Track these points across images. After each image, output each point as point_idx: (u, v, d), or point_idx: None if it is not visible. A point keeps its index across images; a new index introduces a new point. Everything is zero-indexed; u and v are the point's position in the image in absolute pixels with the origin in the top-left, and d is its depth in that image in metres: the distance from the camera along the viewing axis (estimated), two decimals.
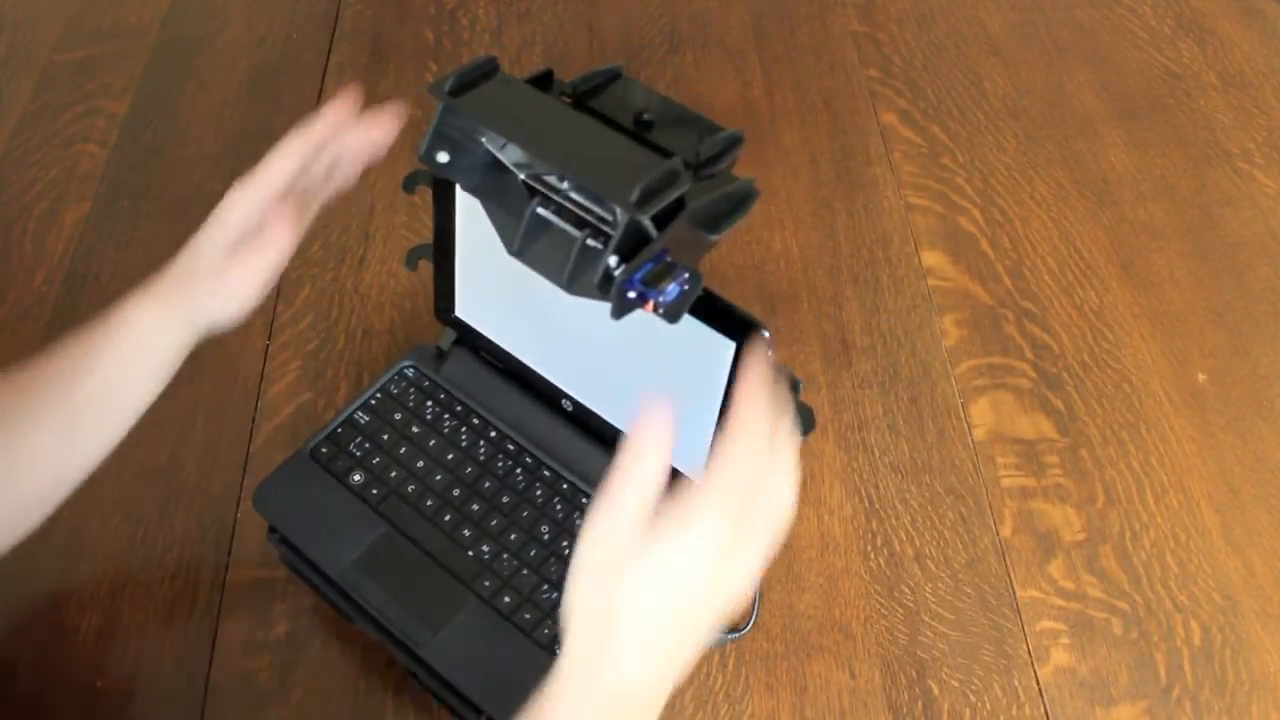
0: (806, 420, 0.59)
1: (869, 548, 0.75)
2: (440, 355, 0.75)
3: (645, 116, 0.57)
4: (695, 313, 0.58)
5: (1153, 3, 1.13)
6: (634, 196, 0.48)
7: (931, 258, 0.91)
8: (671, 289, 0.51)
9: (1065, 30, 1.11)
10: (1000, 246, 0.92)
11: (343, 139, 0.62)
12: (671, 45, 1.09)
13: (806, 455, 0.79)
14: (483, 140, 0.55)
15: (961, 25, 1.12)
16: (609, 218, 0.52)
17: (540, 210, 0.53)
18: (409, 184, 0.63)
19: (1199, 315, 0.87)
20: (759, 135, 1.00)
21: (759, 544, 0.46)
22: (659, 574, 0.43)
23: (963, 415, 0.81)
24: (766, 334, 0.56)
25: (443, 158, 0.55)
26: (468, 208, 0.68)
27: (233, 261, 0.60)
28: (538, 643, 0.63)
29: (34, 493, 0.60)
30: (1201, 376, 0.84)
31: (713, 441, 0.47)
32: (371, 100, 1.03)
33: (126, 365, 0.60)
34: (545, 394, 0.71)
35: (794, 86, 1.05)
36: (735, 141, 0.56)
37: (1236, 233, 0.93)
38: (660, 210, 0.49)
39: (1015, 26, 1.11)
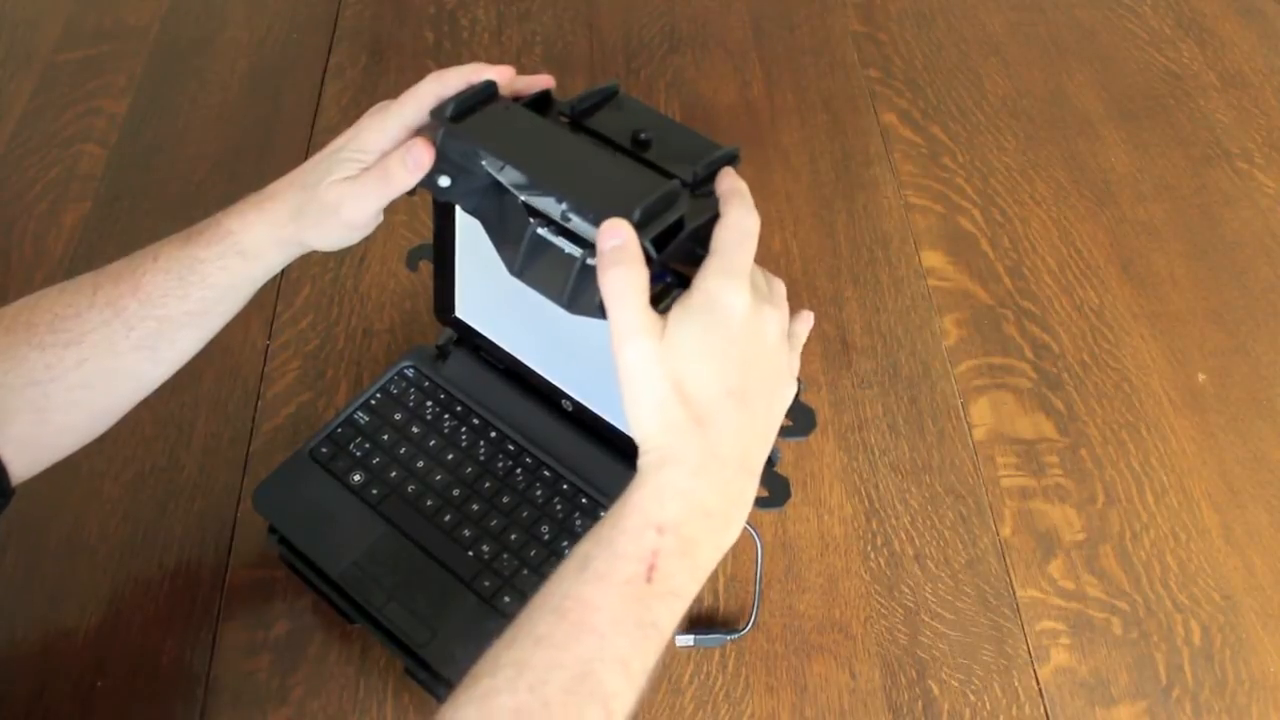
0: (806, 420, 0.59)
1: (869, 548, 0.75)
2: (440, 355, 0.75)
3: (643, 135, 0.57)
4: None
5: (1153, 3, 1.14)
6: (634, 219, 0.49)
7: (931, 258, 0.91)
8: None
9: (1065, 30, 1.11)
10: (1000, 246, 0.92)
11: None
12: (671, 45, 1.09)
13: (806, 455, 0.79)
14: (483, 164, 0.55)
15: (961, 25, 1.12)
16: None
17: (540, 231, 0.54)
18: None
19: (1199, 315, 0.87)
20: (759, 135, 1.00)
21: (778, 307, 0.52)
22: (706, 338, 0.48)
23: (963, 415, 0.81)
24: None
25: (444, 182, 0.56)
26: None
27: (347, 187, 0.58)
28: None
29: (107, 407, 0.61)
30: (1201, 376, 0.84)
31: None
32: (371, 101, 1.03)
33: (227, 286, 0.60)
34: (545, 394, 0.71)
35: (794, 86, 1.05)
36: (732, 159, 0.56)
37: (1236, 233, 0.93)
38: (660, 231, 0.50)
39: (1015, 26, 1.11)
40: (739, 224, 0.51)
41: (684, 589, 0.47)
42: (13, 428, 0.57)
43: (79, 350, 0.57)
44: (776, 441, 0.61)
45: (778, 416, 0.52)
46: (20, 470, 0.58)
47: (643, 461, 0.48)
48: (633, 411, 0.49)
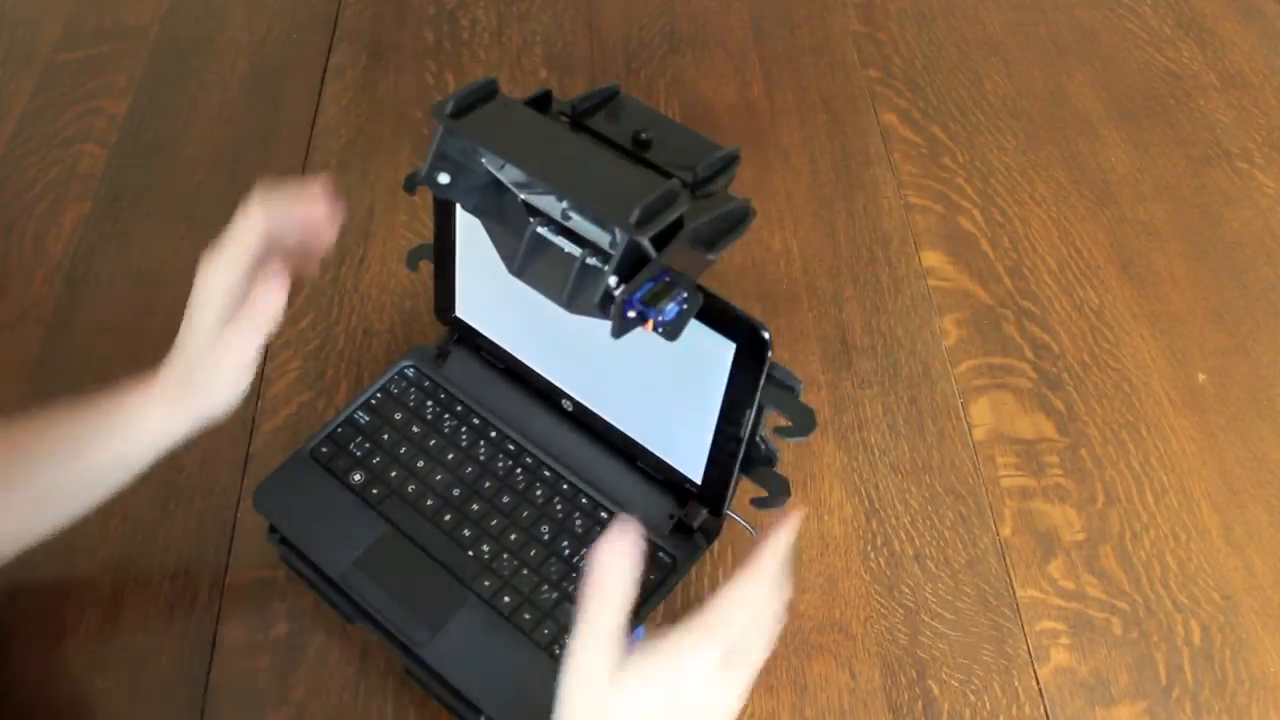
0: (806, 420, 0.59)
1: (869, 548, 0.75)
2: (440, 355, 0.75)
3: (643, 135, 0.57)
4: (696, 314, 0.58)
5: (1153, 3, 1.14)
6: (634, 218, 0.49)
7: (931, 258, 0.91)
8: (670, 308, 0.52)
9: (1065, 30, 1.11)
10: (1000, 246, 0.92)
11: (302, 214, 0.60)
12: (671, 45, 1.09)
13: (806, 455, 0.79)
14: (483, 161, 0.55)
15: (961, 25, 1.12)
16: (609, 238, 0.53)
17: (540, 230, 0.54)
18: (409, 184, 0.63)
19: (1199, 315, 0.87)
20: (759, 135, 1.00)
21: (739, 683, 0.50)
22: (652, 697, 0.47)
23: (963, 415, 0.81)
24: (766, 334, 0.56)
25: (444, 179, 0.56)
26: None
27: (221, 342, 0.59)
28: (537, 643, 0.63)
29: None
30: (1201, 376, 0.84)
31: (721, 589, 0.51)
32: (371, 101, 1.03)
33: (116, 455, 0.61)
34: (545, 394, 0.71)
35: (794, 86, 1.05)
36: (732, 159, 0.56)
37: (1236, 233, 0.93)
38: (660, 231, 0.50)
39: (1015, 26, 1.11)
40: (746, 596, 0.50)
41: None
42: None
43: None
44: (776, 441, 0.62)
45: None
46: None
47: None
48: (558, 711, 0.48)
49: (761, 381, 0.58)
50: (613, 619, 0.47)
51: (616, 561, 0.48)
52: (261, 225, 0.58)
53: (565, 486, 0.69)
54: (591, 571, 0.48)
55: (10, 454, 0.59)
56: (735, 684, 0.50)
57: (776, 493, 0.63)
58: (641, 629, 0.65)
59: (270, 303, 0.58)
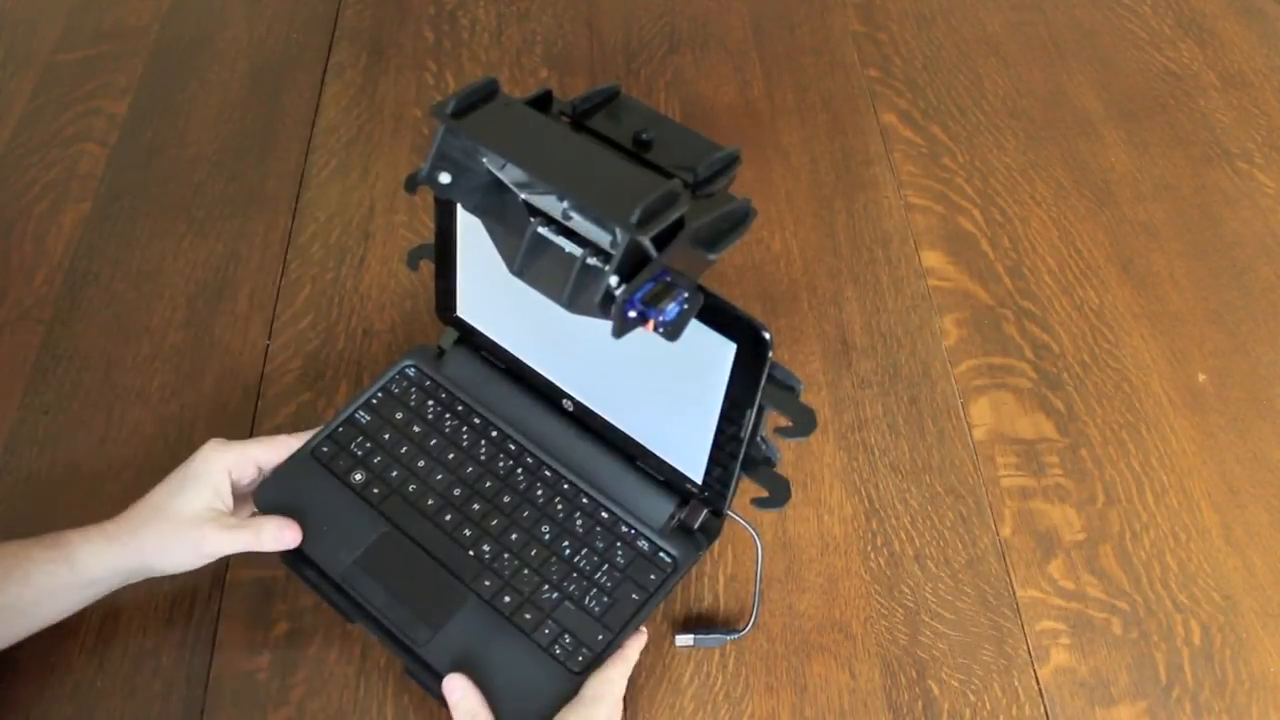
0: (807, 420, 0.59)
1: (869, 548, 0.75)
2: (441, 354, 0.75)
3: (644, 136, 0.57)
4: (696, 314, 0.58)
5: (1153, 3, 1.14)
6: (634, 218, 0.49)
7: (931, 258, 0.91)
8: (671, 308, 0.52)
9: (1065, 30, 1.11)
10: (1000, 246, 0.92)
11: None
12: (671, 45, 1.09)
13: (806, 455, 0.79)
14: (484, 161, 0.55)
15: (961, 25, 1.12)
16: (609, 238, 0.52)
17: (541, 230, 0.54)
18: (410, 184, 0.63)
19: (1199, 315, 0.87)
20: (759, 135, 1.00)
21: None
22: None
23: (963, 415, 0.81)
24: (767, 334, 0.56)
25: (445, 179, 0.56)
26: None
27: (213, 532, 0.64)
28: (538, 643, 0.63)
29: None
30: (1201, 376, 0.84)
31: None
32: (371, 101, 1.03)
33: (45, 590, 0.62)
34: (546, 393, 0.71)
35: (794, 86, 1.05)
36: (733, 160, 0.56)
37: (1236, 233, 0.93)
38: (660, 231, 0.50)
39: (1015, 26, 1.11)
40: (615, 681, 0.62)
41: None
42: None
43: None
44: (777, 441, 0.61)
45: None
46: None
47: None
48: None
49: (762, 382, 0.58)
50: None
51: (455, 694, 0.60)
52: (277, 457, 0.69)
53: (566, 486, 0.69)
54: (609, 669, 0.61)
55: None
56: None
57: (777, 493, 0.63)
58: (641, 630, 0.65)
59: (277, 542, 0.65)
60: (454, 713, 0.60)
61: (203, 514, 0.64)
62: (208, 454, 0.66)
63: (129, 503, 0.76)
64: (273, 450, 0.69)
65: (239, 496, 0.68)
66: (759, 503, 0.64)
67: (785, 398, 0.59)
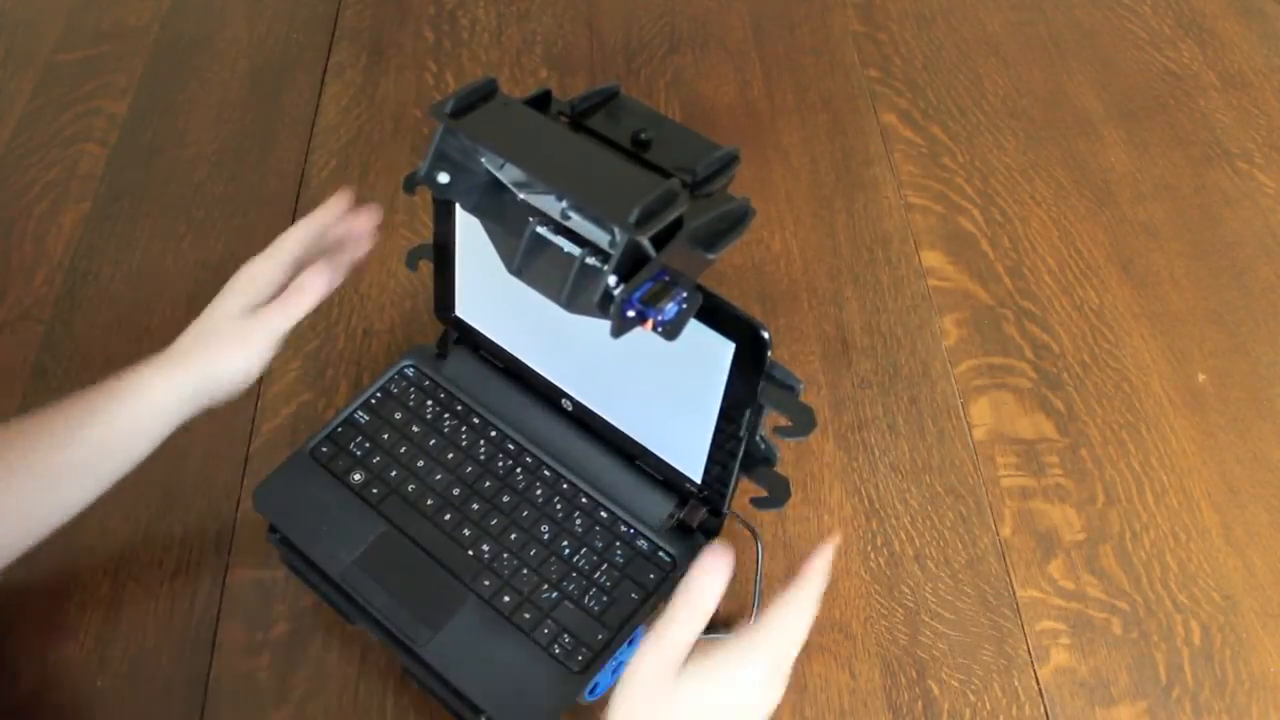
0: (806, 420, 0.59)
1: (869, 548, 0.75)
2: (440, 354, 0.75)
3: (643, 135, 0.57)
4: (695, 313, 0.58)
5: (1153, 3, 1.14)
6: (633, 217, 0.49)
7: (931, 258, 0.91)
8: (670, 308, 0.52)
9: (1065, 30, 1.11)
10: (1000, 246, 0.92)
11: (338, 227, 0.68)
12: (671, 45, 1.09)
13: (806, 455, 0.79)
14: (483, 161, 0.55)
15: (961, 25, 1.12)
16: (608, 238, 0.52)
17: (540, 230, 0.54)
18: (409, 184, 0.63)
19: (1199, 315, 0.87)
20: (759, 135, 1.00)
21: (781, 684, 0.53)
22: (708, 707, 0.51)
23: (963, 415, 0.81)
24: (766, 334, 0.56)
25: (443, 178, 0.56)
26: None
27: (252, 320, 0.63)
28: (537, 642, 0.63)
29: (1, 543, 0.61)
30: (1201, 376, 0.84)
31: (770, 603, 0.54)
32: (371, 101, 1.03)
33: (126, 429, 0.62)
34: (545, 393, 0.71)
35: (794, 86, 1.05)
36: (732, 159, 0.56)
37: (1236, 233, 0.93)
38: (659, 230, 0.50)
39: (1015, 26, 1.11)
40: (798, 618, 0.53)
41: None
42: None
43: None
44: (776, 441, 0.61)
45: None
46: None
47: None
48: (618, 710, 0.51)
49: (761, 381, 0.58)
50: (686, 634, 0.51)
51: (710, 582, 0.51)
52: (300, 242, 0.66)
53: (565, 486, 0.69)
54: (684, 585, 0.51)
55: (14, 442, 0.60)
56: (775, 690, 0.53)
57: (776, 493, 0.63)
58: (641, 629, 0.65)
59: (310, 288, 0.64)
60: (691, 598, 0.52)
61: (241, 312, 0.64)
62: (237, 273, 0.65)
63: (128, 503, 0.76)
64: (295, 239, 0.66)
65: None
66: (758, 502, 0.64)
67: (784, 397, 0.59)
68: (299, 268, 0.66)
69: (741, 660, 0.52)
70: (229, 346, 0.63)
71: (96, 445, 0.61)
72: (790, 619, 0.53)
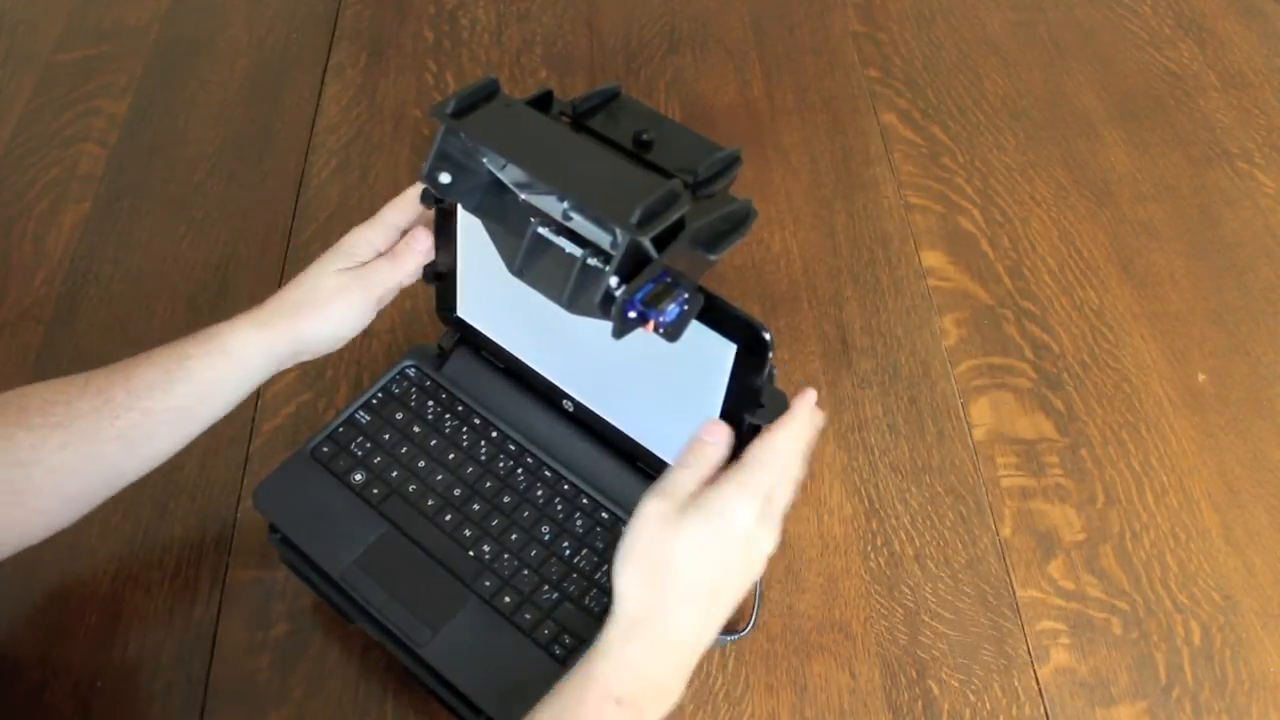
0: (780, 403, 0.59)
1: (869, 548, 0.75)
2: (441, 355, 0.75)
3: (644, 136, 0.57)
4: (696, 314, 0.58)
5: (1153, 3, 1.14)
6: (635, 218, 0.49)
7: (931, 258, 0.91)
8: (671, 309, 0.52)
9: (1065, 30, 1.11)
10: (1000, 246, 0.92)
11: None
12: (671, 45, 1.09)
13: None
14: (484, 161, 0.55)
15: (961, 25, 1.12)
16: (609, 239, 0.52)
17: (541, 230, 0.54)
18: (427, 198, 0.64)
19: (1199, 315, 0.87)
20: (759, 135, 1.00)
21: (776, 529, 0.56)
22: (708, 538, 0.53)
23: (963, 415, 0.82)
24: (767, 334, 0.56)
25: (445, 179, 0.56)
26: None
27: (358, 275, 0.64)
28: (537, 643, 0.63)
29: (82, 494, 0.62)
30: (1201, 376, 0.84)
31: (757, 432, 0.57)
32: (371, 101, 1.03)
33: (218, 382, 0.63)
34: (546, 394, 0.71)
35: (794, 86, 1.05)
36: (734, 160, 0.56)
37: (1236, 233, 0.93)
38: (661, 231, 0.50)
39: (1015, 26, 1.11)
40: (779, 449, 0.56)
41: None
42: None
43: (63, 434, 0.59)
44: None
45: (734, 607, 0.57)
46: None
47: (611, 630, 0.53)
48: (623, 564, 0.54)
49: (763, 382, 0.58)
50: (690, 480, 0.54)
51: (717, 440, 0.56)
52: (406, 212, 0.67)
53: (566, 487, 0.69)
54: (692, 440, 0.56)
55: (119, 384, 0.61)
56: (770, 533, 0.56)
57: None
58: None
59: (419, 245, 0.66)
60: (698, 450, 0.56)
61: (340, 273, 0.64)
62: (346, 235, 0.66)
63: (128, 503, 0.76)
64: (398, 209, 0.67)
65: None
66: None
67: (784, 398, 0.59)
68: (399, 238, 0.67)
69: (732, 496, 0.54)
70: (329, 304, 0.64)
71: (191, 395, 0.62)
72: (775, 457, 0.55)
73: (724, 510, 0.54)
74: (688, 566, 0.53)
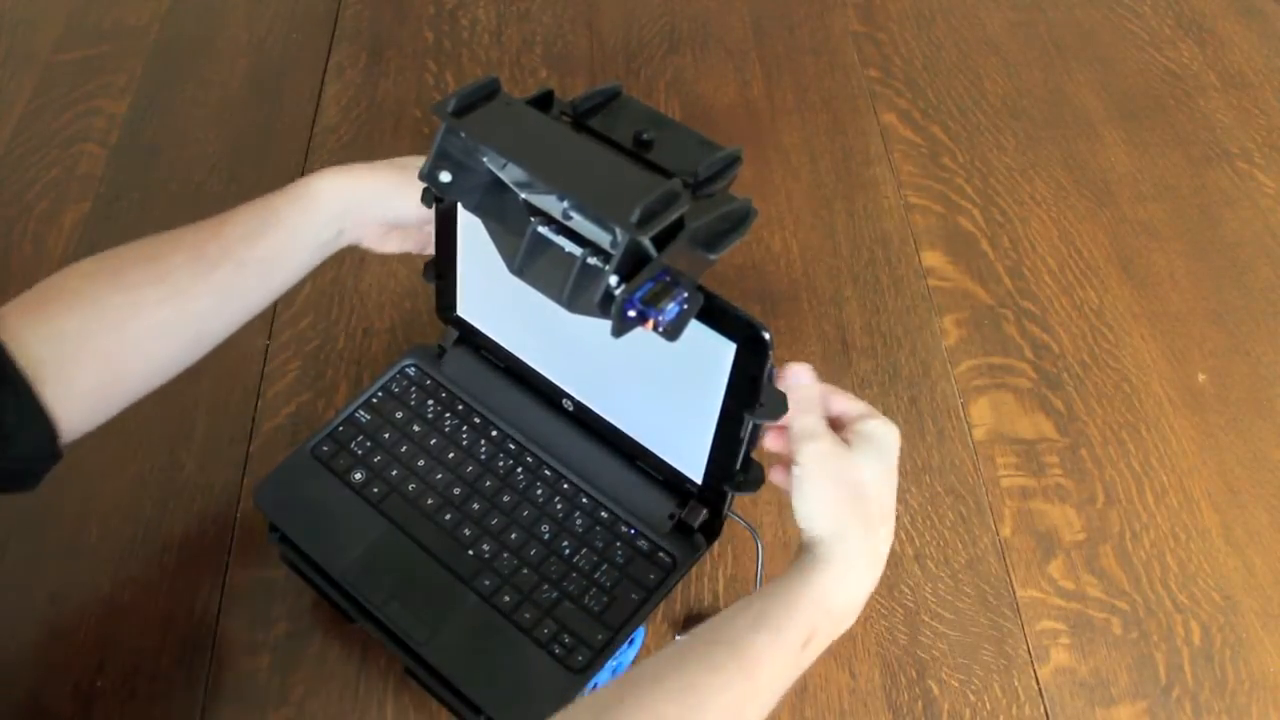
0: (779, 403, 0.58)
1: None
2: (441, 354, 0.75)
3: (645, 136, 0.57)
4: (696, 314, 0.58)
5: (1153, 3, 1.14)
6: (634, 217, 0.49)
7: (931, 258, 0.91)
8: (671, 308, 0.52)
9: (1065, 30, 1.11)
10: (1000, 246, 0.92)
11: None
12: (671, 45, 1.10)
13: None
14: (484, 160, 0.55)
15: (961, 25, 1.12)
16: (609, 238, 0.52)
17: (541, 229, 0.54)
18: (427, 198, 0.64)
19: (1199, 315, 0.87)
20: (759, 135, 1.00)
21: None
22: (879, 460, 0.56)
23: (963, 415, 0.81)
24: (767, 334, 0.56)
25: (445, 177, 0.56)
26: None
27: (420, 214, 0.65)
28: (537, 641, 0.63)
29: (172, 357, 0.62)
30: (1201, 376, 0.84)
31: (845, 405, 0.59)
32: (371, 101, 1.03)
33: (301, 230, 0.63)
34: (546, 393, 0.71)
35: (794, 86, 1.05)
36: (734, 160, 0.56)
37: (1236, 233, 0.93)
38: (660, 231, 0.50)
39: (1015, 26, 1.11)
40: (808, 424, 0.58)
41: (814, 658, 0.54)
42: (81, 378, 0.57)
43: (159, 290, 0.59)
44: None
45: None
46: (74, 427, 0.58)
47: (821, 550, 0.54)
48: (816, 497, 0.55)
49: (763, 381, 0.58)
50: (823, 423, 0.56)
51: (809, 380, 0.58)
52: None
53: (565, 486, 0.69)
54: (793, 392, 0.57)
55: (215, 234, 0.62)
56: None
57: (752, 477, 0.63)
58: (643, 629, 0.65)
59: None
60: (806, 395, 0.58)
61: (418, 188, 0.64)
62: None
63: (128, 503, 0.76)
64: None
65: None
66: (736, 488, 0.63)
67: (781, 400, 0.59)
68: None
69: (880, 425, 0.57)
70: (409, 184, 0.64)
71: (279, 244, 0.63)
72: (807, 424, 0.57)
73: (885, 439, 0.56)
74: (874, 487, 0.56)
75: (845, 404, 0.58)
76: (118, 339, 0.58)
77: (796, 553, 0.55)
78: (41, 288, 0.58)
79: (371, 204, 0.65)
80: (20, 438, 0.55)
